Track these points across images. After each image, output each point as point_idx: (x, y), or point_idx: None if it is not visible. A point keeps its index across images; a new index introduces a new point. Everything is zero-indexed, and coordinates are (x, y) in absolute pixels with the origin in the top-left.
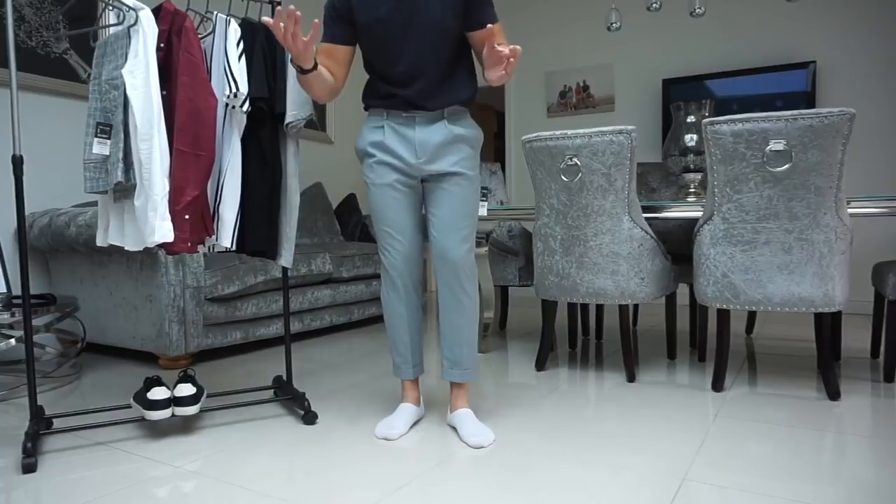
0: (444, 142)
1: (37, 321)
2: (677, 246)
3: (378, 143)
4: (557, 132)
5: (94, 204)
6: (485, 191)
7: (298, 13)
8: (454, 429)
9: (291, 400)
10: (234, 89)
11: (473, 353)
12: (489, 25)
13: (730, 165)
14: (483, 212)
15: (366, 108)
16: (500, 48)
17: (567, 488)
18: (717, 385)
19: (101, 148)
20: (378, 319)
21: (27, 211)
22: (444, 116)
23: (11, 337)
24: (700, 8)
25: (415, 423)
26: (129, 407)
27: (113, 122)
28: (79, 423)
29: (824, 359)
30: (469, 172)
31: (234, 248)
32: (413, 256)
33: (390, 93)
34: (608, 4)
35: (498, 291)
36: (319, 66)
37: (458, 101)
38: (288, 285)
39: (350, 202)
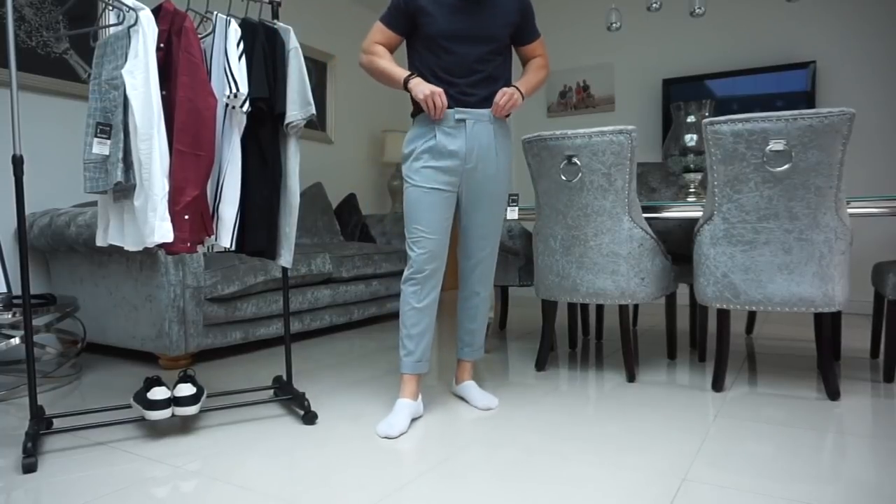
0: (491, 148)
1: (37, 321)
2: (677, 246)
3: (430, 149)
4: (557, 132)
5: (94, 204)
6: (514, 197)
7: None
8: (461, 398)
9: (291, 400)
10: (234, 89)
11: (484, 334)
12: (534, 42)
13: (730, 165)
14: (514, 215)
15: (414, 115)
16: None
17: (567, 488)
18: (717, 385)
19: (100, 148)
20: (378, 319)
21: (27, 211)
22: (491, 122)
23: (12, 337)
24: (700, 8)
25: (414, 420)
26: (128, 407)
27: (113, 123)
28: (79, 423)
29: (824, 359)
30: (504, 190)
31: (233, 247)
32: (439, 255)
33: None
34: (608, 4)
35: (498, 291)
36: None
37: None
38: (288, 285)
39: (350, 202)
